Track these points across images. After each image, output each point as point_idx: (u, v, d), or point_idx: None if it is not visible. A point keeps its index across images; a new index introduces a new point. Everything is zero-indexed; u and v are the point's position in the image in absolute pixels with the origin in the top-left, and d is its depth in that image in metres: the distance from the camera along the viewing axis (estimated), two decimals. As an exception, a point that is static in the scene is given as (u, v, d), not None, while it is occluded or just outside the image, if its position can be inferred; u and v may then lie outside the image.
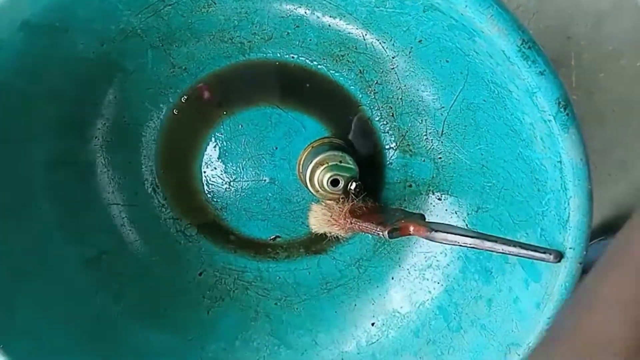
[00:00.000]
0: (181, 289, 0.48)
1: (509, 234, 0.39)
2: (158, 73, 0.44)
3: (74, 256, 0.44)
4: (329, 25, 0.41)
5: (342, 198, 0.44)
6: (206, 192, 0.47)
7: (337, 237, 0.46)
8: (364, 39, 0.41)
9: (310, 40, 0.42)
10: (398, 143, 0.46)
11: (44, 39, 0.37)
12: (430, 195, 0.47)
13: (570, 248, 0.33)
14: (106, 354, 0.43)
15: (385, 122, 0.45)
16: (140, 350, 0.45)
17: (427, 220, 0.44)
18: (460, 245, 0.37)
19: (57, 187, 0.43)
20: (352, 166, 0.42)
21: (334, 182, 0.42)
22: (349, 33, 0.41)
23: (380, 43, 0.41)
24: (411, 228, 0.40)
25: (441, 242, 0.38)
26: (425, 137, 0.45)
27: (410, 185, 0.47)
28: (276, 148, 0.46)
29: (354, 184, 0.42)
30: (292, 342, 0.49)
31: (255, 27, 0.42)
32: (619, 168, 0.52)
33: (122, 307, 0.45)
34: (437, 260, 0.47)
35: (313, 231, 0.45)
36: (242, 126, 0.45)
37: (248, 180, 0.46)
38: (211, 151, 0.46)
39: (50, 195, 0.43)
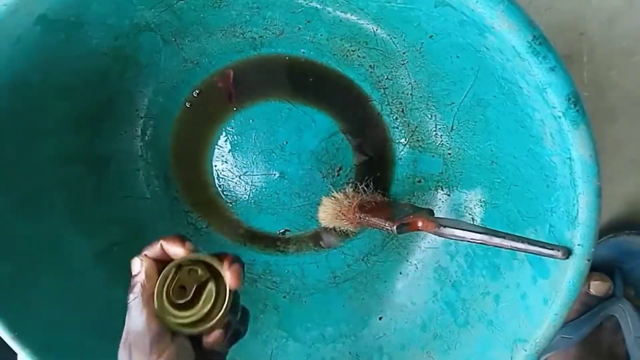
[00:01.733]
0: (191, 281, 0.49)
1: (517, 230, 0.39)
2: (170, 67, 0.44)
3: (86, 248, 0.45)
4: (340, 21, 0.41)
5: (351, 193, 0.45)
6: (217, 185, 0.48)
7: (346, 231, 0.47)
8: (375, 34, 0.41)
9: (321, 35, 0.42)
10: (408, 138, 0.46)
11: (59, 34, 0.37)
12: (439, 190, 0.47)
13: (578, 245, 0.33)
14: (116, 343, 0.44)
15: (395, 117, 0.45)
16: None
17: (435, 215, 0.44)
18: (469, 241, 0.37)
19: (70, 180, 0.44)
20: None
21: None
22: (360, 28, 0.41)
23: (390, 38, 0.41)
24: (419, 223, 0.40)
25: (449, 238, 0.39)
26: (435, 132, 0.45)
27: (420, 181, 0.47)
28: (286, 142, 0.46)
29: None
30: (300, 335, 0.49)
31: (267, 22, 0.42)
32: (630, 165, 0.51)
33: (133, 298, 0.46)
34: (445, 256, 0.47)
35: (322, 225, 0.46)
36: (252, 120, 0.46)
37: (258, 174, 0.47)
38: (222, 145, 0.46)
39: (64, 188, 0.44)
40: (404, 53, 0.41)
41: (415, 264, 0.48)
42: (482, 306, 0.43)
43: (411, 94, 0.44)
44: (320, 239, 0.49)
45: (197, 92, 0.45)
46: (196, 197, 0.48)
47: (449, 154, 0.45)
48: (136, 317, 0.31)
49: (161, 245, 0.32)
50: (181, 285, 0.32)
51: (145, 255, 0.33)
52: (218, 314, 0.32)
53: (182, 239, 0.32)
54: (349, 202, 0.43)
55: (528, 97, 0.33)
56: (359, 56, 0.43)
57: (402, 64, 0.42)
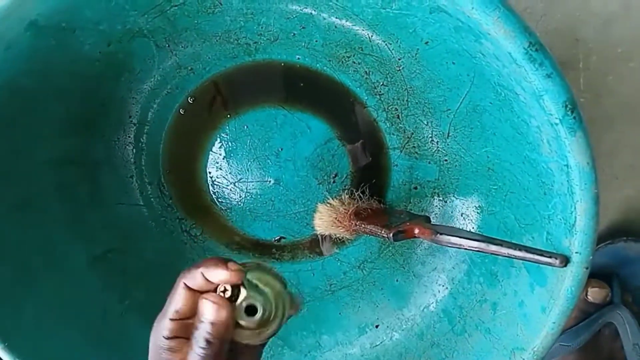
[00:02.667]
0: (186, 288, 0.49)
1: (514, 238, 0.39)
2: (164, 73, 0.44)
3: (80, 254, 0.44)
4: (335, 27, 0.41)
5: (347, 200, 0.44)
6: (211, 192, 0.47)
7: (341, 239, 0.47)
8: (370, 41, 0.41)
9: (316, 41, 0.42)
10: (404, 145, 0.45)
11: (51, 39, 0.37)
12: (435, 197, 0.47)
13: (576, 252, 0.33)
14: (111, 351, 0.44)
15: (390, 124, 0.45)
16: (146, 348, 0.45)
17: (432, 222, 0.44)
18: (466, 249, 0.36)
19: (64, 185, 0.44)
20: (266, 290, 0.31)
21: (250, 311, 0.30)
22: (355, 34, 0.41)
23: (386, 44, 0.41)
24: (416, 230, 0.40)
25: (446, 245, 0.38)
26: (431, 139, 0.44)
27: (416, 188, 0.47)
28: (281, 149, 0.46)
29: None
30: (296, 343, 0.49)
31: (261, 28, 0.42)
32: (627, 171, 0.51)
33: (128, 305, 0.46)
34: (442, 263, 0.47)
35: (318, 233, 0.45)
36: (247, 127, 0.45)
37: (253, 181, 0.46)
38: (216, 151, 0.46)
39: (58, 194, 0.43)
40: (399, 59, 0.41)
41: (412, 272, 0.48)
42: (479, 314, 0.42)
43: (407, 100, 0.44)
44: (317, 246, 0.49)
45: (192, 98, 0.45)
46: (190, 204, 0.48)
47: (445, 160, 0.45)
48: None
49: (202, 274, 0.29)
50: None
51: (186, 285, 0.29)
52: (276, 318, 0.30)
53: (223, 261, 0.29)
54: (345, 209, 0.43)
55: (524, 104, 0.33)
56: (354, 62, 0.43)
57: (398, 70, 0.42)
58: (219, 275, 0.29)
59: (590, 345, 0.51)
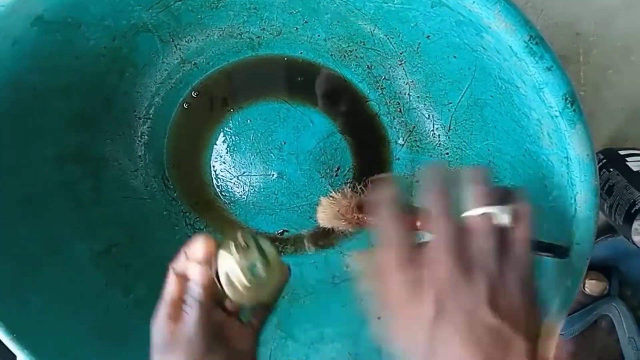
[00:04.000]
0: (190, 282, 0.49)
1: (515, 230, 0.39)
2: (168, 68, 0.44)
3: (84, 249, 0.45)
4: (338, 21, 0.41)
5: (350, 193, 0.45)
6: (215, 186, 0.48)
7: (344, 232, 0.47)
8: (372, 35, 0.41)
9: (318, 35, 0.42)
10: (405, 138, 0.46)
11: (57, 35, 0.37)
12: (437, 190, 0.47)
13: (576, 244, 0.33)
14: (115, 345, 0.44)
15: (392, 118, 0.45)
16: (149, 343, 0.45)
17: (433, 215, 0.44)
18: (467, 240, 0.37)
19: (68, 181, 0.44)
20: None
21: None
22: (357, 29, 0.41)
23: (388, 38, 0.41)
24: (418, 223, 0.40)
25: (448, 237, 0.38)
26: (432, 132, 0.45)
27: (418, 181, 0.47)
28: (284, 143, 0.46)
29: None
30: (299, 335, 0.49)
31: (264, 22, 0.42)
32: (627, 165, 0.51)
33: (131, 299, 0.46)
34: (444, 255, 0.47)
35: (321, 226, 0.45)
36: (250, 121, 0.46)
37: (256, 175, 0.47)
38: (220, 145, 0.46)
39: (62, 189, 0.44)
40: (401, 53, 0.42)
41: (414, 264, 0.48)
42: (480, 306, 0.43)
43: (409, 94, 0.44)
44: (320, 239, 0.49)
45: (196, 93, 0.45)
46: (194, 197, 0.48)
47: (447, 153, 0.45)
48: (192, 324, 0.31)
49: (184, 252, 0.32)
50: None
51: (173, 268, 0.33)
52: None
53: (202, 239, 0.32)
54: (348, 203, 0.43)
55: (525, 97, 0.33)
56: (356, 56, 0.43)
57: (400, 64, 0.42)
58: (196, 247, 0.32)
59: (585, 336, 0.51)
